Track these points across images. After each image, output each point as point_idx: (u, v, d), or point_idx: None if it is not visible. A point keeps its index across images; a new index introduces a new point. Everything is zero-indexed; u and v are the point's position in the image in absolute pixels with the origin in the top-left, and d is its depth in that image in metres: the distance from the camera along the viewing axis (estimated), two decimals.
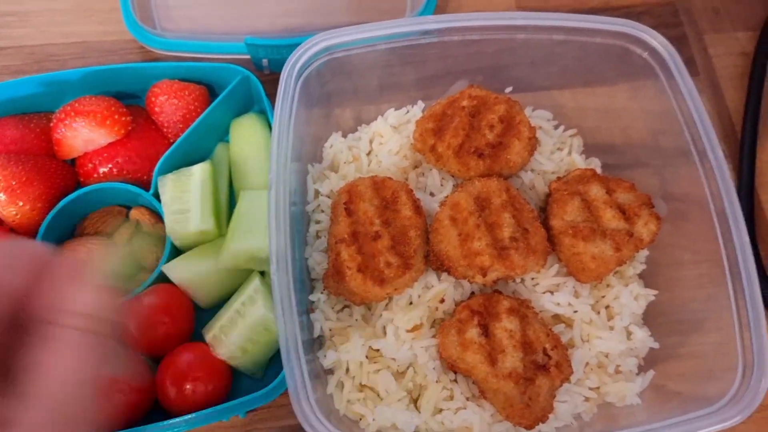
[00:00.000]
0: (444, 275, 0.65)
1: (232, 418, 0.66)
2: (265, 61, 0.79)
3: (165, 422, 0.59)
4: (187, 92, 0.74)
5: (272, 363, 0.68)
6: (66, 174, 0.73)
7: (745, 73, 0.88)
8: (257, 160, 0.73)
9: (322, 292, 0.65)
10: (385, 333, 0.63)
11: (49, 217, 0.69)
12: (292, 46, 0.67)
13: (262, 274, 0.68)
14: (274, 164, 0.60)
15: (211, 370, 0.63)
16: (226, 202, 0.74)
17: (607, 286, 0.68)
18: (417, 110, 0.75)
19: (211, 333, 0.65)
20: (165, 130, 0.75)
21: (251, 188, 0.71)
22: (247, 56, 0.79)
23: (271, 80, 0.77)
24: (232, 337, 0.64)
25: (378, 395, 0.62)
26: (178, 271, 0.67)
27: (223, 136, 0.78)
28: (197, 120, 0.72)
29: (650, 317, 0.69)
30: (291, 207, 0.61)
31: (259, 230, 0.65)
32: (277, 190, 0.59)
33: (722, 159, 0.63)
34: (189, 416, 0.60)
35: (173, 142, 0.73)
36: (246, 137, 0.75)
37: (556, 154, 0.75)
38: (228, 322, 0.65)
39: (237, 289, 0.68)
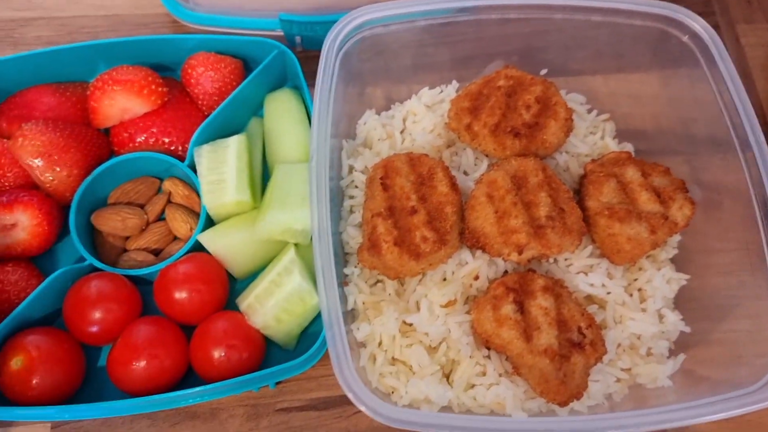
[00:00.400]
0: (478, 253, 0.65)
1: (261, 389, 0.66)
2: (298, 39, 0.79)
3: (196, 389, 0.59)
4: (223, 65, 0.74)
5: (304, 336, 0.68)
6: (101, 142, 0.73)
7: None
8: (291, 134, 0.73)
9: (356, 266, 0.66)
10: (418, 308, 0.63)
11: (84, 184, 0.69)
12: (327, 23, 0.67)
13: (297, 246, 0.68)
14: (314, 137, 0.60)
15: (246, 338, 0.63)
16: (260, 175, 0.74)
17: (640, 269, 0.68)
18: (451, 90, 0.75)
19: (246, 302, 0.66)
20: (200, 102, 0.75)
21: (285, 162, 0.71)
22: (280, 33, 0.79)
23: (304, 58, 0.78)
24: (267, 306, 0.64)
25: (410, 369, 0.62)
26: (213, 240, 0.67)
27: (257, 110, 0.78)
28: (233, 93, 0.72)
29: (681, 302, 0.69)
30: (327, 180, 0.61)
31: (294, 202, 0.65)
32: (318, 163, 0.59)
33: (765, 146, 0.63)
34: (221, 383, 0.60)
35: (208, 115, 0.73)
36: (280, 112, 0.75)
37: (589, 137, 0.75)
38: (263, 291, 0.65)
39: (270, 261, 0.68)
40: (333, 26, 0.65)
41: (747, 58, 0.89)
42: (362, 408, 0.53)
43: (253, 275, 0.69)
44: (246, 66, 0.78)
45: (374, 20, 0.67)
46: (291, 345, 0.67)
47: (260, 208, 0.68)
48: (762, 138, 0.63)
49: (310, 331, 0.68)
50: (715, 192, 0.71)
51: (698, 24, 0.67)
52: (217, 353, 0.61)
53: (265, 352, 0.66)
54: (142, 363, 0.60)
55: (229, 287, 0.68)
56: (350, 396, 0.52)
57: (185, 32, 0.82)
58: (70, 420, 0.65)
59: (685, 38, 0.69)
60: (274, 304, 0.63)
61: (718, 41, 0.66)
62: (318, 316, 0.67)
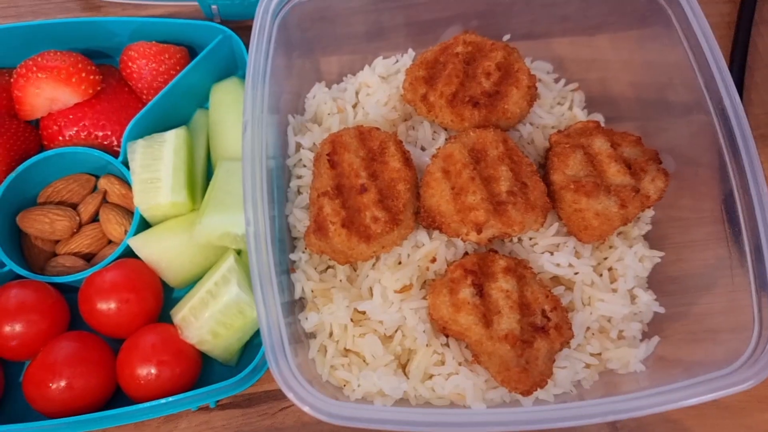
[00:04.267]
0: (435, 233, 0.60)
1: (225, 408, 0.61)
2: (214, 8, 0.72)
3: (123, 409, 0.54)
4: (167, 55, 0.67)
5: (248, 349, 0.63)
6: (28, 136, 0.67)
7: (731, 22, 0.83)
8: (237, 127, 0.65)
9: (303, 252, 0.61)
10: (371, 294, 0.58)
11: (7, 181, 0.63)
12: None
13: (239, 253, 0.62)
14: (249, 107, 0.54)
15: (178, 353, 0.57)
16: (203, 173, 0.68)
17: (610, 247, 0.64)
18: (407, 59, 0.70)
19: (180, 314, 0.60)
20: (144, 97, 0.69)
21: (230, 158, 0.65)
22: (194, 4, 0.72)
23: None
24: (202, 319, 0.58)
25: (364, 360, 0.58)
26: (146, 245, 0.61)
27: (203, 102, 0.72)
28: (172, 82, 0.66)
29: (655, 281, 0.65)
30: (268, 158, 0.56)
31: (235, 204, 0.59)
32: (253, 137, 0.54)
33: (741, 111, 0.58)
34: (150, 403, 0.54)
35: None
36: (226, 103, 0.69)
37: (556, 108, 0.70)
38: (199, 302, 0.59)
39: (210, 268, 0.62)
40: None
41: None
42: (305, 409, 0.48)
43: (191, 284, 0.63)
44: (192, 54, 0.71)
45: None
46: (231, 361, 0.62)
47: (199, 210, 0.62)
48: (738, 101, 0.59)
49: (255, 343, 0.63)
50: (690, 161, 0.66)
51: None
52: (146, 371, 0.56)
53: (202, 367, 0.60)
54: (61, 383, 0.54)
55: (165, 297, 0.63)
56: (288, 393, 0.47)
57: (95, 6, 0.75)
58: None
59: None
60: (210, 317, 0.58)
61: None
62: None
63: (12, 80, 0.65)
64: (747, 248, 0.56)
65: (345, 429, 0.61)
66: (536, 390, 0.54)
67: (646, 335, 0.63)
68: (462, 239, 0.58)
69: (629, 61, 0.73)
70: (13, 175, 0.63)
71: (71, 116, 0.65)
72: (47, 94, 0.64)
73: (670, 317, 0.63)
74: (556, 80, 0.72)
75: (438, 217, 0.58)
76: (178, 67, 0.67)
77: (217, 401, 0.61)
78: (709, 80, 0.60)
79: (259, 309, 0.49)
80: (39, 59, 0.64)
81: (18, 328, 0.56)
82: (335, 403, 0.48)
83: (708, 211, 0.64)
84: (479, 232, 0.57)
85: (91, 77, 0.65)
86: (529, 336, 0.55)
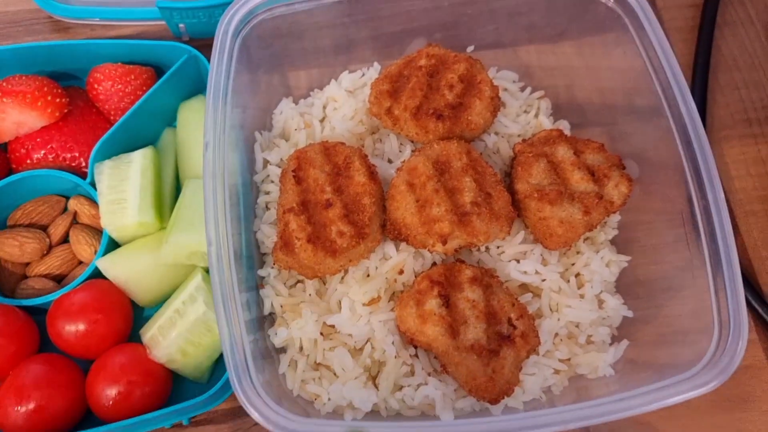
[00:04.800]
0: (403, 245, 0.61)
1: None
2: (182, 26, 0.73)
3: (92, 430, 0.54)
4: (133, 76, 0.68)
5: (219, 367, 0.63)
6: None
7: (695, 25, 0.84)
8: None
9: (272, 267, 0.61)
10: (340, 308, 0.59)
11: None
12: (210, 8, 0.61)
13: (208, 272, 0.62)
14: (210, 127, 0.55)
15: (146, 373, 0.57)
16: (171, 191, 0.68)
17: (577, 252, 0.64)
18: (373, 72, 0.71)
19: (148, 334, 0.60)
20: (111, 118, 0.69)
21: (198, 177, 0.65)
22: (163, 23, 0.73)
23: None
24: (170, 338, 0.58)
25: (334, 374, 0.58)
26: (113, 266, 0.61)
27: (171, 120, 0.72)
28: (138, 102, 0.66)
29: (624, 285, 0.66)
30: (232, 174, 0.56)
31: (201, 223, 0.59)
32: (215, 156, 0.54)
33: (696, 115, 0.59)
34: (120, 423, 0.54)
35: None
36: (194, 121, 0.69)
37: (522, 116, 0.71)
38: (167, 322, 0.59)
39: (179, 286, 0.62)
40: (225, 10, 0.60)
41: (664, 20, 0.85)
42: (270, 427, 0.48)
43: (160, 303, 0.63)
44: (159, 73, 0.72)
45: (270, 1, 0.62)
46: (202, 378, 0.62)
47: (166, 229, 0.62)
48: (693, 107, 0.60)
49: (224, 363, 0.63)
50: (657, 165, 0.67)
51: None
52: (114, 391, 0.55)
53: (174, 384, 0.60)
54: (30, 405, 0.54)
55: (136, 316, 0.63)
56: (250, 411, 0.47)
57: (64, 28, 0.75)
58: None
59: (611, 3, 0.65)
60: (178, 336, 0.58)
61: (645, 3, 0.62)
62: None
63: None
64: (705, 251, 0.57)
65: None
66: (503, 398, 0.55)
67: (615, 339, 0.63)
68: (429, 250, 0.59)
69: (594, 67, 0.74)
70: None
71: (38, 139, 0.65)
72: (13, 118, 0.64)
73: (639, 320, 0.64)
74: (522, 89, 0.73)
75: (404, 230, 0.58)
76: (144, 88, 0.68)
77: (191, 418, 0.61)
78: (666, 87, 0.62)
79: (221, 328, 0.49)
80: (4, 84, 0.64)
81: None
82: (300, 419, 0.49)
83: (674, 214, 0.65)
84: (445, 243, 0.57)
85: (57, 100, 0.65)
86: (496, 345, 0.55)
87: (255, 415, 0.47)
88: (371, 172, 0.60)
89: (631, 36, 0.65)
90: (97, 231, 0.65)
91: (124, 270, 0.61)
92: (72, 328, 0.57)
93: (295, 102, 0.70)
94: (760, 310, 0.70)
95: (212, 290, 0.50)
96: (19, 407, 0.54)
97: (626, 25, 0.64)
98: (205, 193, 0.52)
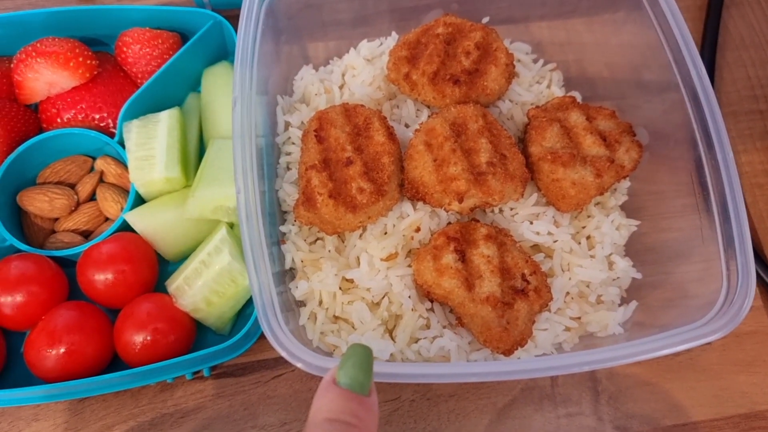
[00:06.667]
0: (419, 204, 0.63)
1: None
2: None
3: (118, 373, 0.56)
4: (160, 41, 0.70)
5: (240, 319, 0.65)
6: (28, 119, 0.69)
7: (703, 5, 0.86)
8: (228, 108, 0.68)
9: (293, 224, 0.63)
10: (359, 263, 0.61)
11: (7, 161, 0.65)
12: None
13: (231, 227, 0.65)
14: (237, 84, 0.57)
15: (172, 320, 0.59)
16: (196, 152, 0.70)
17: (588, 216, 0.66)
18: (391, 42, 0.73)
19: (174, 284, 0.62)
20: (139, 81, 0.71)
21: (220, 137, 0.68)
22: None
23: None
24: (196, 287, 0.60)
25: (352, 326, 0.60)
26: (141, 219, 0.63)
27: (195, 86, 0.74)
28: (165, 65, 0.69)
29: (633, 249, 0.68)
30: (257, 136, 0.58)
31: (226, 178, 0.62)
32: (242, 112, 0.56)
33: (709, 87, 0.61)
34: (147, 367, 0.56)
35: None
36: (217, 86, 0.71)
37: (534, 86, 0.72)
38: (192, 272, 0.61)
39: (202, 242, 0.64)
40: None
41: None
42: (298, 365, 0.50)
43: (184, 257, 0.65)
44: (184, 40, 0.74)
45: None
46: (224, 329, 0.64)
47: (192, 185, 0.65)
48: (704, 72, 0.62)
49: (248, 312, 0.65)
50: (665, 137, 0.69)
51: None
52: (141, 337, 0.57)
53: (196, 336, 0.62)
54: (60, 349, 0.56)
55: (161, 270, 0.65)
56: (283, 353, 0.49)
57: (102, 2, 0.78)
58: None
59: None
60: (203, 285, 0.60)
61: None
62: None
63: (12, 66, 0.68)
64: (715, 210, 0.59)
65: None
66: (517, 349, 0.56)
67: (624, 300, 0.65)
68: (444, 209, 0.61)
69: (604, 43, 0.76)
70: (13, 155, 0.65)
71: (69, 99, 0.67)
72: (46, 78, 0.66)
73: (647, 284, 0.66)
74: (535, 60, 0.75)
75: (421, 188, 0.60)
76: (171, 52, 0.70)
77: (212, 370, 0.63)
78: (680, 61, 0.63)
79: (250, 272, 0.51)
80: (38, 45, 0.66)
81: (19, 298, 0.58)
82: (328, 359, 0.50)
83: (682, 184, 0.67)
84: (461, 201, 0.59)
85: (88, 62, 0.67)
86: (510, 298, 0.57)
87: (284, 353, 0.49)
88: (390, 133, 0.62)
89: (642, 12, 0.67)
90: (123, 190, 0.67)
91: (152, 223, 0.63)
92: (101, 277, 0.59)
93: (315, 70, 0.72)
94: (767, 279, 0.72)
95: (241, 238, 0.52)
96: (50, 350, 0.56)
97: (640, 1, 0.66)
98: (234, 147, 0.54)
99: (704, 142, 0.61)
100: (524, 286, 0.58)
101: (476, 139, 0.61)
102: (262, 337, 0.62)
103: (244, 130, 0.55)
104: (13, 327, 0.60)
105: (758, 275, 0.72)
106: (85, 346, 0.57)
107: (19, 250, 0.63)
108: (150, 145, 0.64)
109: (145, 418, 0.62)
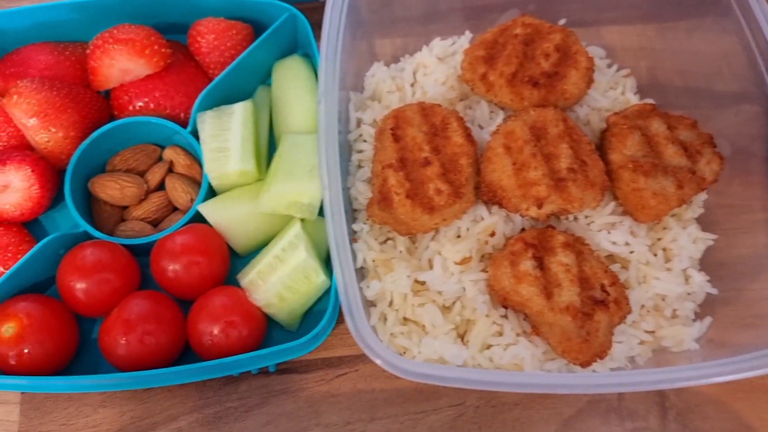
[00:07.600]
0: (494, 209, 0.61)
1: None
2: None
3: (187, 366, 0.55)
4: (234, 32, 0.69)
5: (308, 317, 0.64)
6: (101, 105, 0.69)
7: None
8: (300, 103, 0.68)
9: (365, 222, 0.62)
10: (431, 265, 0.60)
11: (81, 147, 0.65)
12: None
13: (303, 222, 0.64)
14: (322, 81, 0.56)
15: (246, 314, 0.58)
16: (266, 145, 0.70)
17: (664, 228, 0.64)
18: (464, 41, 0.72)
19: (247, 278, 0.61)
20: (210, 71, 0.70)
21: (293, 132, 0.67)
22: None
23: (320, 23, 0.73)
24: (270, 282, 0.60)
25: (423, 329, 0.59)
26: (214, 211, 0.63)
27: (266, 78, 0.73)
28: (239, 57, 0.68)
29: (705, 264, 0.66)
30: (337, 127, 0.57)
31: (301, 174, 0.61)
32: (327, 109, 0.56)
33: None
34: (219, 360, 0.56)
35: None
36: (289, 79, 0.71)
37: (610, 92, 0.71)
38: (266, 267, 0.61)
39: (274, 237, 0.64)
40: None
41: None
42: (378, 361, 0.50)
43: (255, 251, 0.65)
44: (257, 31, 0.73)
45: None
46: (294, 326, 0.63)
47: (265, 179, 0.64)
48: None
49: (315, 310, 0.64)
50: (739, 150, 0.67)
51: None
52: (215, 330, 0.57)
53: (266, 332, 0.62)
54: (134, 338, 0.56)
55: (231, 264, 0.64)
56: (366, 351, 0.49)
57: None
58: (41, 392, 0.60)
59: None
60: (277, 281, 0.59)
61: None
62: (323, 296, 0.63)
63: (87, 52, 0.68)
64: None
65: (397, 394, 0.62)
66: (595, 361, 0.55)
67: (698, 315, 0.63)
68: (521, 214, 0.60)
69: (677, 51, 0.74)
70: (87, 141, 0.65)
71: (142, 87, 0.67)
72: (121, 65, 0.66)
73: (720, 301, 0.64)
74: (609, 65, 0.73)
75: (499, 192, 0.59)
76: (244, 44, 0.69)
77: (277, 366, 0.62)
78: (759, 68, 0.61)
79: (335, 268, 0.51)
80: (114, 32, 0.66)
81: (94, 285, 0.58)
82: (405, 360, 0.50)
83: (757, 199, 0.65)
84: (540, 207, 0.58)
85: (163, 50, 0.67)
86: (589, 309, 0.56)
87: (367, 351, 0.49)
88: (468, 134, 0.61)
89: (722, 20, 0.65)
90: (192, 180, 0.67)
91: (225, 216, 0.62)
92: (175, 267, 0.59)
93: (386, 66, 0.71)
94: None
95: (327, 233, 0.51)
96: (125, 338, 0.56)
97: (729, 5, 0.64)
98: (319, 144, 0.54)
99: None
100: (604, 297, 0.56)
101: (556, 144, 0.60)
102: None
103: (330, 127, 0.55)
104: (86, 313, 0.60)
105: None
106: (159, 336, 0.56)
107: (90, 237, 0.63)
108: (224, 137, 0.64)
109: (210, 411, 0.61)
